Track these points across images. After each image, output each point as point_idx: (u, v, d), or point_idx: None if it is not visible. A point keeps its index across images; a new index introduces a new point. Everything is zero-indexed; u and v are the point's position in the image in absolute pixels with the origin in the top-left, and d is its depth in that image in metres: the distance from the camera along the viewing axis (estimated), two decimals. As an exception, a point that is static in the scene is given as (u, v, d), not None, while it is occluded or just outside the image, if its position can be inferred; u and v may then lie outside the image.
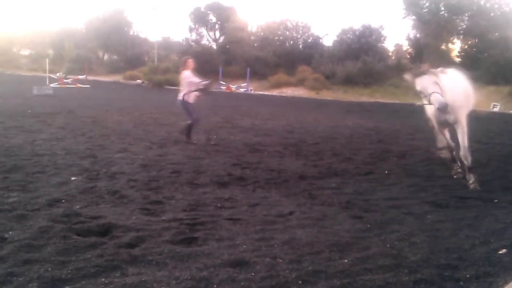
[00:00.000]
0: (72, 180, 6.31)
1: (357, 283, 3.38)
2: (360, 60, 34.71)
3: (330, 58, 37.98)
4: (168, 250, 3.86)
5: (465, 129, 6.78)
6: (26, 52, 57.66)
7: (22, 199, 5.22)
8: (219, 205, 5.49)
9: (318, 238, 4.29)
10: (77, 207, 5.07)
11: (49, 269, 3.37)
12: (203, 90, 10.02)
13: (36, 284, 3.16)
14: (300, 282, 3.35)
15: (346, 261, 3.79)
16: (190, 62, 10.08)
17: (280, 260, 3.73)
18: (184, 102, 9.96)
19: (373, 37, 38.56)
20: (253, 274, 3.46)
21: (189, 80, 9.84)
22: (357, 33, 39.17)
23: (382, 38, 39.77)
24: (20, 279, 3.24)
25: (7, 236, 4.02)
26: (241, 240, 4.19)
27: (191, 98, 9.96)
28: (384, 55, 38.55)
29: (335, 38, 41.23)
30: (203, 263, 3.62)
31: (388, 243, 4.21)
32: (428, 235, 4.48)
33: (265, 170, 7.59)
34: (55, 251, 3.70)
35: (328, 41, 45.05)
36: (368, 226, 4.81)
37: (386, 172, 7.91)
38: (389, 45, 44.10)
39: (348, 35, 39.73)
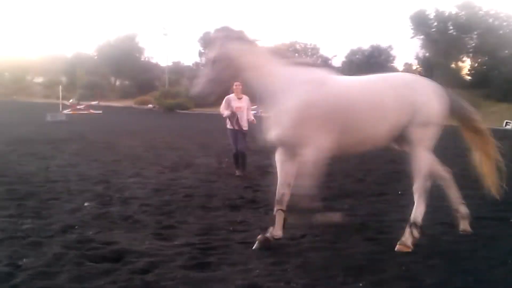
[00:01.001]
0: (85, 206, 6.35)
1: (373, 307, 3.32)
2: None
3: (340, 79, 38.19)
4: (182, 275, 3.84)
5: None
6: (39, 79, 58.87)
7: (36, 226, 5.26)
8: (231, 228, 5.47)
9: (332, 261, 4.25)
10: (90, 233, 5.08)
11: (63, 297, 3.38)
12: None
13: (50, 312, 3.16)
14: (315, 306, 3.30)
15: (361, 284, 3.74)
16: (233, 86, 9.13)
17: (294, 285, 3.70)
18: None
19: (382, 57, 38.73)
20: (267, 299, 3.43)
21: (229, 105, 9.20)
22: (366, 54, 39.41)
23: (391, 58, 39.92)
24: (34, 307, 3.24)
25: (21, 263, 4.04)
26: (254, 265, 4.15)
27: (230, 124, 9.35)
28: (394, 75, 38.65)
29: (344, 59, 41.48)
30: (216, 289, 3.60)
31: (403, 266, 4.15)
32: (444, 257, 4.41)
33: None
34: (69, 278, 3.71)
35: (337, 62, 45.36)
36: (383, 248, 4.74)
37: (400, 192, 7.82)
38: (399, 64, 44.38)
39: (357, 56, 39.97)
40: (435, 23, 36.52)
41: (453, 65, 37.45)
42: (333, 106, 4.41)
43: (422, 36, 37.88)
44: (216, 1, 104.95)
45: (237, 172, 9.29)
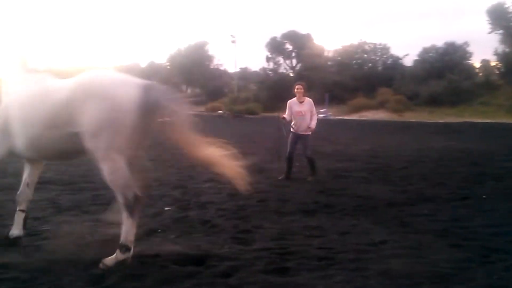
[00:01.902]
0: (166, 210, 6.61)
1: (464, 318, 3.16)
2: (444, 78, 33.22)
3: (412, 79, 36.85)
4: (262, 280, 3.89)
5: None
6: (117, 90, 62.19)
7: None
8: (307, 233, 5.45)
9: (416, 269, 4.10)
10: (172, 236, 5.28)
11: (151, 298, 3.54)
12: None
13: (141, 312, 3.32)
14: (401, 316, 3.20)
15: (448, 293, 3.57)
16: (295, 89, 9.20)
17: (378, 292, 3.61)
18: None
19: (458, 54, 36.85)
20: (350, 306, 3.37)
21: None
22: (440, 51, 37.72)
23: (467, 55, 37.89)
24: (126, 307, 3.42)
25: (111, 266, 4.28)
26: (334, 271, 4.11)
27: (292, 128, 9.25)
28: (471, 72, 36.63)
29: (416, 58, 39.99)
30: (297, 294, 3.60)
31: (494, 274, 3.91)
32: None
33: (351, 197, 7.44)
34: (156, 281, 3.87)
35: (408, 61, 43.83)
36: (469, 255, 4.51)
37: (484, 197, 7.41)
38: (476, 61, 42.05)
39: (430, 54, 38.36)
40: (515, 16, 34.19)
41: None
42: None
43: (501, 31, 35.61)
44: (283, 6, 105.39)
45: (281, 176, 9.25)
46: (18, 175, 9.07)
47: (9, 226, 5.58)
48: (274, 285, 3.79)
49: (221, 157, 4.73)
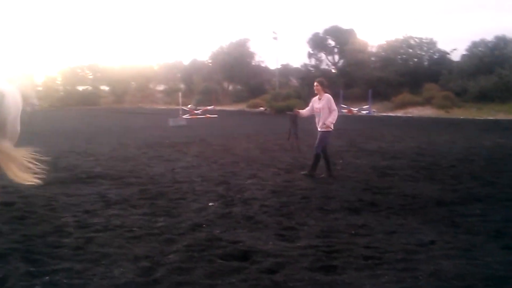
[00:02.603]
0: (210, 205, 6.69)
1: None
2: (494, 74, 31.82)
3: (460, 74, 35.52)
4: (308, 277, 3.86)
5: None
6: (160, 87, 63.59)
7: (169, 224, 5.67)
8: (353, 232, 5.37)
9: (468, 270, 3.95)
10: (217, 231, 5.34)
11: (200, 292, 3.59)
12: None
13: (189, 305, 3.38)
14: (454, 319, 3.10)
15: (504, 297, 3.42)
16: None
17: (428, 294, 3.50)
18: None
19: (509, 48, 35.23)
20: (399, 307, 3.29)
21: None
22: (490, 45, 36.17)
23: (519, 49, 36.17)
24: (175, 300, 3.49)
25: (160, 259, 4.39)
26: (382, 271, 4.02)
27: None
28: (523, 67, 34.93)
29: (465, 53, 38.54)
30: (345, 293, 3.55)
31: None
32: None
33: (398, 196, 7.26)
34: (203, 275, 3.93)
35: (456, 56, 42.30)
36: (525, 258, 4.30)
37: (539, 197, 7.05)
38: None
39: (480, 48, 36.86)
40: None
41: None
42: None
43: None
44: (326, 1, 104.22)
45: (304, 172, 9.20)
46: (70, 169, 9.49)
47: (61, 218, 5.83)
48: (320, 283, 3.75)
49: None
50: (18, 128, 6.34)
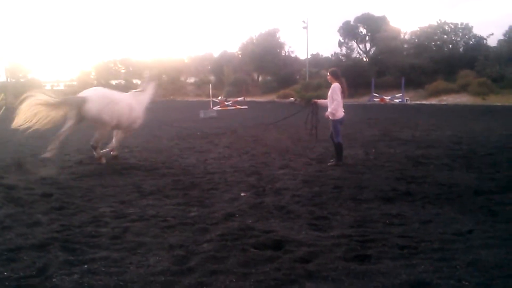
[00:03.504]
0: (242, 196, 6.72)
1: None
2: (534, 58, 30.55)
3: (497, 60, 34.25)
4: (342, 267, 3.83)
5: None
6: (191, 79, 64.19)
7: (202, 214, 5.73)
8: (387, 221, 5.29)
9: (507, 260, 3.83)
10: (250, 221, 5.36)
11: (234, 280, 3.62)
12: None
13: (222, 294, 3.41)
14: (494, 309, 3.01)
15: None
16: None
17: (466, 283, 3.42)
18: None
19: (549, 31, 33.75)
20: (437, 297, 3.23)
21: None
22: (529, 29, 34.70)
23: (560, 32, 34.59)
24: (210, 288, 3.52)
25: (194, 248, 4.44)
26: (418, 260, 3.95)
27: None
28: None
29: (501, 38, 37.13)
30: (380, 282, 3.50)
31: None
32: None
33: (433, 185, 7.10)
34: (237, 263, 3.96)
35: (493, 41, 40.79)
36: None
37: None
38: None
39: (518, 33, 35.43)
40: None
41: None
42: None
43: None
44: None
45: (331, 163, 9.20)
46: (104, 162, 9.71)
47: (98, 208, 5.98)
48: (355, 273, 3.71)
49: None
50: (124, 117, 9.54)
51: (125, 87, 58.76)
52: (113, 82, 61.62)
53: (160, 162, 9.83)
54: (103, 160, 9.47)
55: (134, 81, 64.41)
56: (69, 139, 13.97)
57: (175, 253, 4.29)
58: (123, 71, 64.91)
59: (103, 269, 3.90)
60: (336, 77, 9.07)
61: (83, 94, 9.26)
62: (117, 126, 9.70)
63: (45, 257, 4.17)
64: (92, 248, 4.48)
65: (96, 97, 9.08)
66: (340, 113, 9.01)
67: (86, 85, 58.57)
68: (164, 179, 7.96)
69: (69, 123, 8.95)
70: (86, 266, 3.98)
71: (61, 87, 69.65)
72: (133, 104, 9.91)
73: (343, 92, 8.96)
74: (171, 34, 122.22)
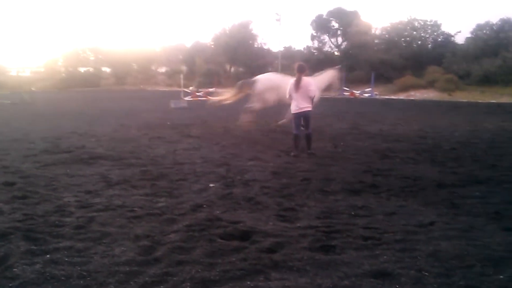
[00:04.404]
0: (211, 186, 6.71)
1: (518, 303, 3.05)
2: (499, 57, 31.50)
3: (464, 57, 35.15)
4: (308, 257, 3.89)
5: None
6: (162, 69, 63.28)
7: (169, 204, 5.70)
8: (353, 213, 5.39)
9: (467, 251, 3.96)
10: (218, 212, 5.36)
11: (199, 270, 3.62)
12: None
13: (189, 284, 3.40)
14: (452, 298, 3.12)
15: (501, 277, 3.45)
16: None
17: (426, 273, 3.53)
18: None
19: (514, 31, 34.86)
20: (397, 286, 3.32)
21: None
22: (495, 28, 35.74)
23: (524, 32, 35.76)
24: (175, 278, 3.51)
25: (160, 238, 4.42)
26: (380, 250, 4.05)
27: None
28: (528, 50, 34.57)
29: (469, 35, 38.12)
30: (343, 272, 3.58)
31: (553, 260, 3.73)
32: None
33: (398, 178, 7.27)
34: (204, 254, 3.96)
35: (460, 39, 41.88)
36: (524, 239, 4.32)
37: (540, 180, 7.05)
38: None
39: (484, 31, 36.43)
40: None
41: None
42: None
43: None
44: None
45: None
46: (71, 150, 9.51)
47: (63, 198, 5.86)
48: (319, 262, 3.78)
49: None
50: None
51: (94, 75, 57.61)
52: (81, 69, 60.24)
53: (128, 152, 9.70)
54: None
55: (103, 68, 63.25)
56: (34, 128, 13.57)
57: (141, 243, 4.25)
58: (92, 58, 63.37)
59: (66, 259, 3.84)
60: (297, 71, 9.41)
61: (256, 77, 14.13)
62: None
63: (6, 246, 4.08)
64: (56, 237, 4.40)
65: (263, 79, 13.74)
66: (292, 108, 9.60)
67: (53, 72, 57.20)
68: (131, 169, 7.85)
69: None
70: (48, 256, 3.91)
71: (27, 73, 67.66)
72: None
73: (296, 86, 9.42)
74: (143, 23, 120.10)
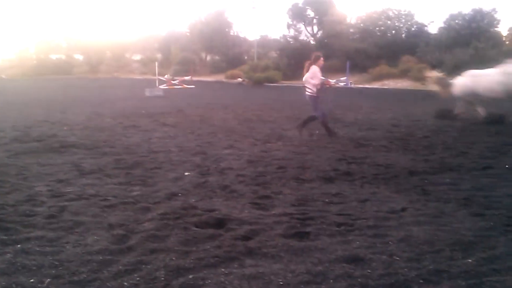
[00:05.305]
0: (186, 175, 6.68)
1: (485, 284, 3.16)
2: (471, 46, 32.11)
3: (437, 47, 35.68)
4: (282, 243, 3.92)
5: None
6: (137, 57, 62.25)
7: (144, 193, 5.65)
8: (327, 200, 5.45)
9: (437, 236, 4.07)
10: (193, 200, 5.35)
11: (174, 258, 3.61)
12: (324, 88, 10.71)
13: (163, 272, 3.40)
14: (421, 281, 3.21)
15: (470, 261, 3.56)
16: (322, 60, 10.30)
17: (397, 258, 3.61)
18: (315, 97, 10.26)
19: (485, 22, 35.49)
20: (369, 271, 3.38)
21: (319, 76, 10.17)
22: (467, 18, 36.34)
23: (495, 22, 36.44)
24: (149, 267, 3.50)
25: (134, 227, 4.39)
26: (353, 236, 4.12)
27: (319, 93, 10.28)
28: (498, 40, 35.33)
29: (442, 25, 38.67)
30: (317, 258, 3.62)
31: (518, 243, 3.87)
32: None
33: (372, 165, 7.38)
34: (178, 242, 3.96)
35: (433, 29, 42.48)
36: (492, 224, 4.47)
37: (507, 166, 7.26)
38: (503, 29, 40.30)
39: (457, 21, 37.02)
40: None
41: None
42: None
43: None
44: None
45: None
46: (43, 139, 9.30)
47: (34, 187, 5.74)
48: (293, 249, 3.82)
49: None
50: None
51: (66, 63, 56.26)
52: (53, 57, 58.74)
53: (101, 140, 9.55)
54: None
55: (76, 56, 61.77)
56: (3, 116, 13.21)
57: (115, 232, 4.22)
58: (64, 46, 61.81)
59: (38, 249, 3.78)
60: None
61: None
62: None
63: (-25, 236, 3.98)
64: (27, 227, 4.33)
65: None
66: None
67: (23, 59, 55.58)
68: (105, 158, 7.75)
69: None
70: (19, 245, 3.84)
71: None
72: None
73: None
74: (117, 11, 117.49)
